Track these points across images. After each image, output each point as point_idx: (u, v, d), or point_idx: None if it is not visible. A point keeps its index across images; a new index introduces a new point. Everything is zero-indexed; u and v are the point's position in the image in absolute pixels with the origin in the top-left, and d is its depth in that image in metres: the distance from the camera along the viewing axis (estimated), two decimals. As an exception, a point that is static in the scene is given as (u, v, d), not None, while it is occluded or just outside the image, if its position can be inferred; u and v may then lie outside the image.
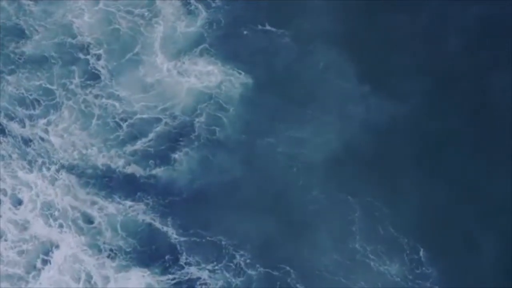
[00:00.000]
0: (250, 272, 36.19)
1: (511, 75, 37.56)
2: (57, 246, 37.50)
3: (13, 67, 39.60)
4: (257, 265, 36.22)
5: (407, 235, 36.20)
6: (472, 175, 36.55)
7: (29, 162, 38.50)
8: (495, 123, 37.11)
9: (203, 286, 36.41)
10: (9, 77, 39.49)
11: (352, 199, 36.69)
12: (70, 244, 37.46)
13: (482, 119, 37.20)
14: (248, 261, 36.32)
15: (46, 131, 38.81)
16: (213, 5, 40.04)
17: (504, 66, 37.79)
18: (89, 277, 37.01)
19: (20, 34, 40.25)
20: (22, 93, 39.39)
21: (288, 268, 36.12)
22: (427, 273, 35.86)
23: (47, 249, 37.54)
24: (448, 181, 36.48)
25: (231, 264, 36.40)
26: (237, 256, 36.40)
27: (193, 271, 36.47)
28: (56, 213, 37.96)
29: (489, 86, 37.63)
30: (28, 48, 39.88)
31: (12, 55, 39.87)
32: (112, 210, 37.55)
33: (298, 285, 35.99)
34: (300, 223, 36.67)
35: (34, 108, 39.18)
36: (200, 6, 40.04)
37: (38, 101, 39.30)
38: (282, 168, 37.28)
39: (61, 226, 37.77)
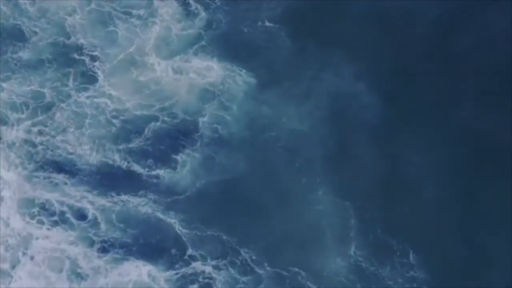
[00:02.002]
0: (257, 270, 36.29)
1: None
2: (48, 241, 36.94)
3: (9, 73, 39.82)
4: (265, 264, 36.41)
5: (397, 238, 36.96)
6: (462, 177, 37.87)
7: (20, 162, 38.25)
8: (491, 127, 38.50)
9: (207, 280, 36.23)
10: (4, 84, 39.58)
11: (346, 200, 37.56)
12: (61, 238, 36.97)
13: (479, 123, 38.59)
14: (253, 258, 36.37)
15: (40, 132, 38.80)
16: (212, 5, 41.50)
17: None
18: (84, 271, 36.43)
19: (18, 36, 40.66)
20: (15, 98, 39.43)
21: (290, 268, 36.41)
22: (415, 276, 36.56)
23: (34, 244, 36.98)
24: (438, 183, 37.74)
25: (236, 260, 36.30)
26: (242, 253, 36.35)
27: (197, 265, 36.25)
28: (48, 208, 37.60)
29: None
30: (25, 52, 40.21)
31: (10, 60, 40.11)
32: (109, 204, 37.37)
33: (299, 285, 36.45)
34: (295, 222, 37.27)
35: (27, 110, 39.18)
36: (198, 6, 41.39)
37: (32, 104, 39.36)
38: (284, 164, 38.22)
39: (53, 222, 37.33)
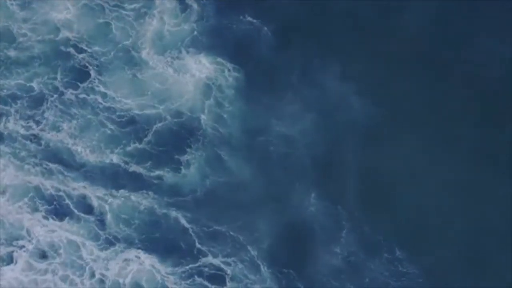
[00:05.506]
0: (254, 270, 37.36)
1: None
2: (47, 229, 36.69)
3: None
4: (262, 264, 37.55)
5: (385, 237, 38.56)
6: (450, 177, 39.35)
7: (21, 158, 38.04)
8: (491, 129, 39.92)
9: (212, 271, 36.75)
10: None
11: (337, 202, 38.93)
12: (60, 227, 36.75)
13: (474, 127, 39.90)
14: (249, 258, 37.57)
15: (40, 130, 38.76)
16: (206, 2, 42.03)
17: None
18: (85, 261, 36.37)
19: (9, 35, 40.47)
20: (17, 94, 39.30)
21: (284, 268, 37.68)
22: (403, 271, 38.17)
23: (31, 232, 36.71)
24: (426, 184, 39.35)
25: (246, 257, 37.50)
26: (242, 252, 37.63)
27: (204, 260, 37.13)
28: (44, 199, 37.36)
29: (481, 86, 40.57)
30: (14, 51, 40.11)
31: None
32: (110, 199, 37.52)
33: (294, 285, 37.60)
34: (289, 224, 38.53)
35: (26, 108, 39.13)
36: (193, 3, 41.85)
37: (23, 98, 39.10)
38: (277, 167, 39.38)
39: (50, 212, 37.20)
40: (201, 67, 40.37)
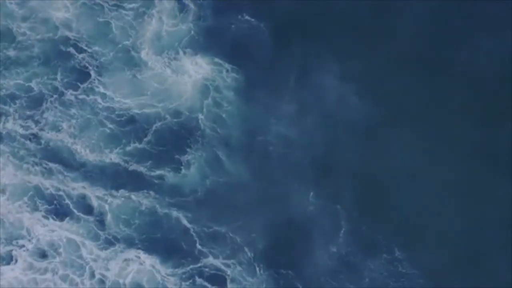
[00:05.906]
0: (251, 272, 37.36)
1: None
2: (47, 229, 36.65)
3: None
4: (260, 265, 37.50)
5: (384, 237, 38.62)
6: (447, 178, 39.40)
7: (20, 157, 37.94)
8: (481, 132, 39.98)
9: (213, 272, 36.74)
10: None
11: (335, 202, 38.95)
12: (59, 227, 36.71)
13: (474, 127, 39.91)
14: (246, 260, 37.57)
15: (39, 129, 38.71)
16: (204, 2, 41.87)
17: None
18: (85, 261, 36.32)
19: (8, 34, 40.30)
20: (17, 94, 39.26)
21: (284, 268, 37.74)
22: (403, 272, 38.26)
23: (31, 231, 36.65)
24: (425, 183, 39.37)
25: (245, 258, 37.53)
26: (239, 254, 37.63)
27: (199, 260, 37.12)
28: (44, 198, 37.33)
29: (481, 86, 40.58)
30: (14, 50, 40.02)
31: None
32: (110, 198, 37.49)
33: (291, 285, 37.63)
34: (288, 225, 38.56)
35: (25, 108, 39.06)
36: (190, 3, 41.74)
37: (29, 100, 39.33)
38: (276, 167, 39.39)
39: (50, 211, 37.18)
40: (197, 68, 40.27)
